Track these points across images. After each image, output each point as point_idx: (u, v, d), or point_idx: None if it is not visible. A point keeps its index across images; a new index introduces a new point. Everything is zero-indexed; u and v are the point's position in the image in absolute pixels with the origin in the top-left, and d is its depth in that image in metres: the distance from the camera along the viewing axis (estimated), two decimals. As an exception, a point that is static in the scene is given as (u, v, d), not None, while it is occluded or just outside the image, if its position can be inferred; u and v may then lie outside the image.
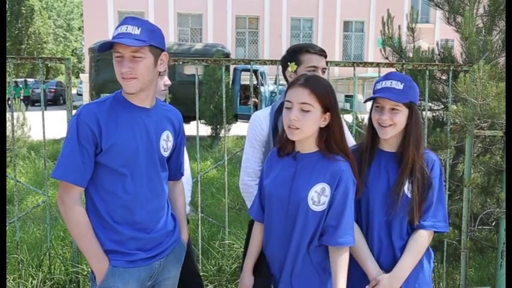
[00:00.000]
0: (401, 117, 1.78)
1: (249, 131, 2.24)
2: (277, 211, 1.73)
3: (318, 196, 1.65)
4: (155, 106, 1.78)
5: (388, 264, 1.80)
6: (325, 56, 2.16)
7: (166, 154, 1.81)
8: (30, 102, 24.78)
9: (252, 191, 2.21)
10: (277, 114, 2.18)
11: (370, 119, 1.88)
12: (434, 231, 1.84)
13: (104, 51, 1.65)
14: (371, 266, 1.78)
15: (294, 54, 2.12)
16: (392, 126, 1.78)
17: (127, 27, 1.61)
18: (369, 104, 1.89)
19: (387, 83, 1.78)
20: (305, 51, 2.09)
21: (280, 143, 1.80)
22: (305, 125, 1.64)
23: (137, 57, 1.61)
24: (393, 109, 1.77)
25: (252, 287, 1.82)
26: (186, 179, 2.47)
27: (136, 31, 1.60)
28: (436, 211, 1.80)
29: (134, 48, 1.59)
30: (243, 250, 2.49)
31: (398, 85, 1.76)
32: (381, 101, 1.80)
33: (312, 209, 1.65)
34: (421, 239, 1.79)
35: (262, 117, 2.22)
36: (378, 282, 1.74)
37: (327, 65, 2.97)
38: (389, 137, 1.82)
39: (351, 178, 1.67)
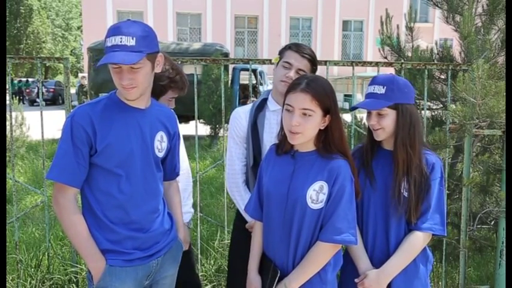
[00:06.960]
0: (387, 120, 1.80)
1: (230, 127, 2.25)
2: (276, 209, 1.73)
3: (317, 194, 1.66)
4: (150, 107, 1.78)
5: (380, 262, 1.80)
6: (310, 60, 2.07)
7: (160, 155, 1.81)
8: (27, 100, 24.87)
9: (238, 184, 2.22)
10: (257, 111, 2.18)
11: None
12: (432, 234, 1.83)
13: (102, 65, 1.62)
14: (363, 261, 1.81)
15: (283, 49, 2.14)
16: (381, 130, 1.81)
17: (121, 38, 1.56)
18: None
19: (370, 88, 1.83)
20: (288, 48, 2.10)
21: (279, 141, 1.80)
22: (307, 130, 1.65)
23: (136, 68, 1.59)
24: (379, 114, 1.80)
25: (260, 286, 1.79)
26: (186, 180, 2.46)
27: (131, 42, 1.56)
28: (434, 214, 1.79)
29: None
30: (228, 249, 2.44)
31: (380, 89, 1.79)
32: None
33: (311, 207, 1.66)
34: (415, 240, 1.78)
35: (242, 113, 2.23)
36: (366, 276, 1.76)
37: (325, 64, 2.99)
38: (386, 137, 1.84)
39: (349, 175, 1.67)
